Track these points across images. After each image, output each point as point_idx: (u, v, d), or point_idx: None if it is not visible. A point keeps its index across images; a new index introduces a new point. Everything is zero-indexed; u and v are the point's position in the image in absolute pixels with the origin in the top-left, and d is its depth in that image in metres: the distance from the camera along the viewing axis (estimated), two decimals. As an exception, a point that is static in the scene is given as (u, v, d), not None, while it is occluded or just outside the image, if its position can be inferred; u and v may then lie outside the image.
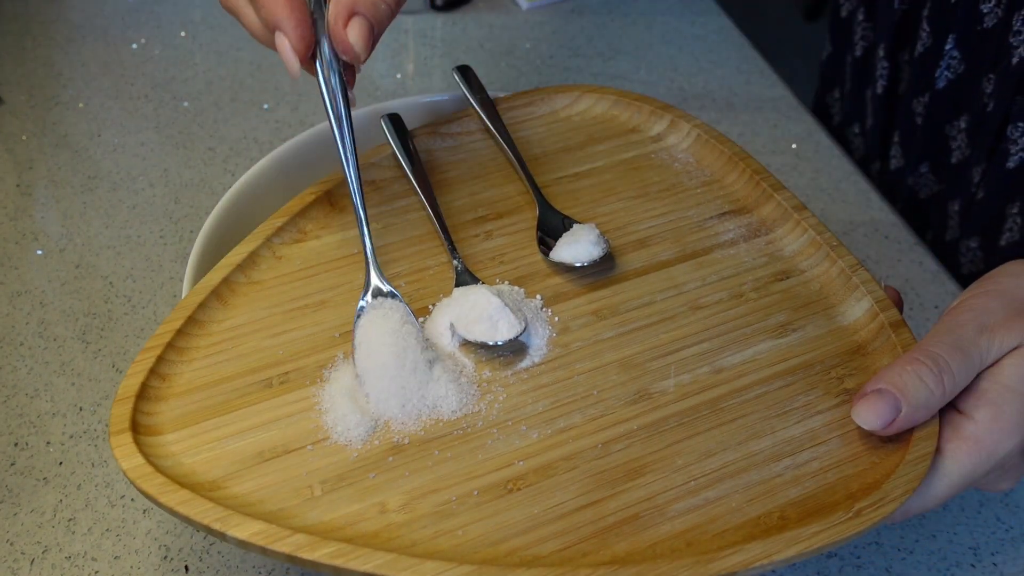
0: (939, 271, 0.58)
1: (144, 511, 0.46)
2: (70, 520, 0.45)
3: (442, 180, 0.48)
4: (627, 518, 0.35)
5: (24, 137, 0.65)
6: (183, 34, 0.74)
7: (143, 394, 0.38)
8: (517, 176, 0.48)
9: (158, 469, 0.35)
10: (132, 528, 0.45)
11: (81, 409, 0.50)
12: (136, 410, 0.37)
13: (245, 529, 0.33)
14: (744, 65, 0.73)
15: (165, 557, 0.44)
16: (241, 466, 0.36)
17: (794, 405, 0.39)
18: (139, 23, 0.75)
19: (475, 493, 0.36)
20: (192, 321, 0.40)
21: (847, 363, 0.41)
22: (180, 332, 0.40)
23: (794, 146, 0.66)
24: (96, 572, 0.44)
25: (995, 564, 0.45)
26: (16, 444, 0.48)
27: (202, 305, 0.41)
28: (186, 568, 0.44)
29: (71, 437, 0.49)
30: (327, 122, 0.40)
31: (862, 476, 0.37)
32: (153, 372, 0.38)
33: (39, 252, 0.58)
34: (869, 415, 0.36)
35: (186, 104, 0.68)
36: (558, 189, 0.48)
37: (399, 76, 0.71)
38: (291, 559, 0.33)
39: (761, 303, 0.43)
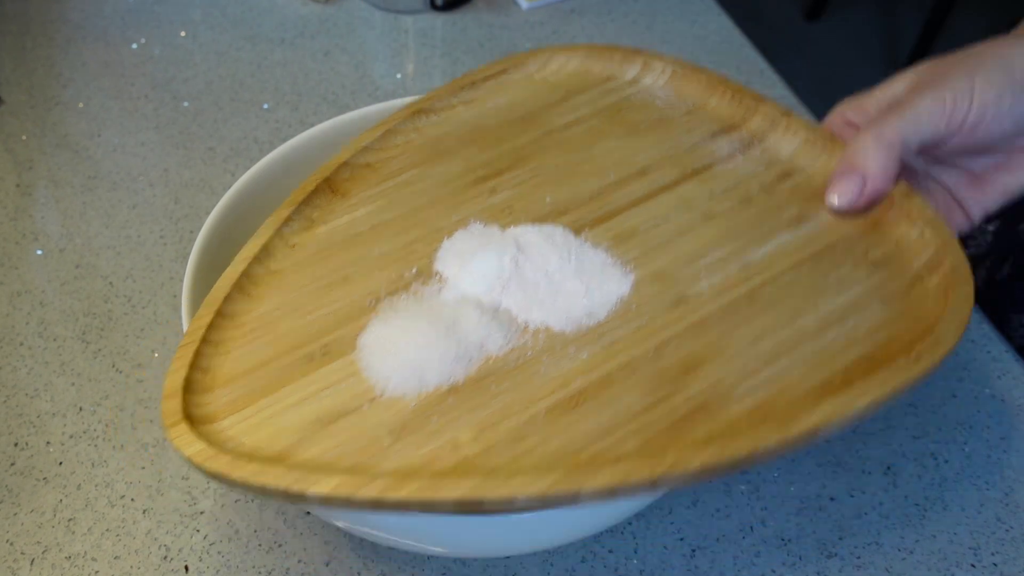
0: (939, 271, 0.58)
1: (144, 511, 0.46)
2: (70, 520, 0.45)
3: (433, 152, 0.48)
4: (696, 408, 0.36)
5: (24, 137, 0.65)
6: (183, 34, 0.74)
7: (188, 388, 0.38)
8: (512, 133, 0.49)
9: (222, 451, 0.35)
10: (132, 528, 0.45)
11: (81, 409, 0.50)
12: (186, 403, 0.37)
13: (326, 484, 0.33)
14: (744, 65, 0.73)
15: (165, 557, 0.44)
16: (303, 435, 0.36)
17: (828, 282, 0.40)
18: (139, 23, 0.75)
19: (542, 414, 0.36)
20: (220, 315, 0.40)
21: (867, 237, 0.42)
22: (211, 327, 0.40)
23: (794, 146, 0.66)
24: (96, 572, 0.44)
25: (995, 564, 0.45)
26: (16, 444, 0.48)
27: (227, 299, 0.41)
28: (186, 568, 0.44)
29: (71, 437, 0.49)
30: None
31: (912, 328, 0.38)
32: (193, 367, 0.38)
33: (39, 252, 0.58)
34: (844, 193, 0.41)
35: (186, 104, 0.68)
36: (549, 142, 0.48)
37: (399, 76, 0.71)
38: (377, 503, 0.33)
39: (772, 202, 0.44)
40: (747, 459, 0.33)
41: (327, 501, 0.33)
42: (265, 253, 0.43)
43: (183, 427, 0.36)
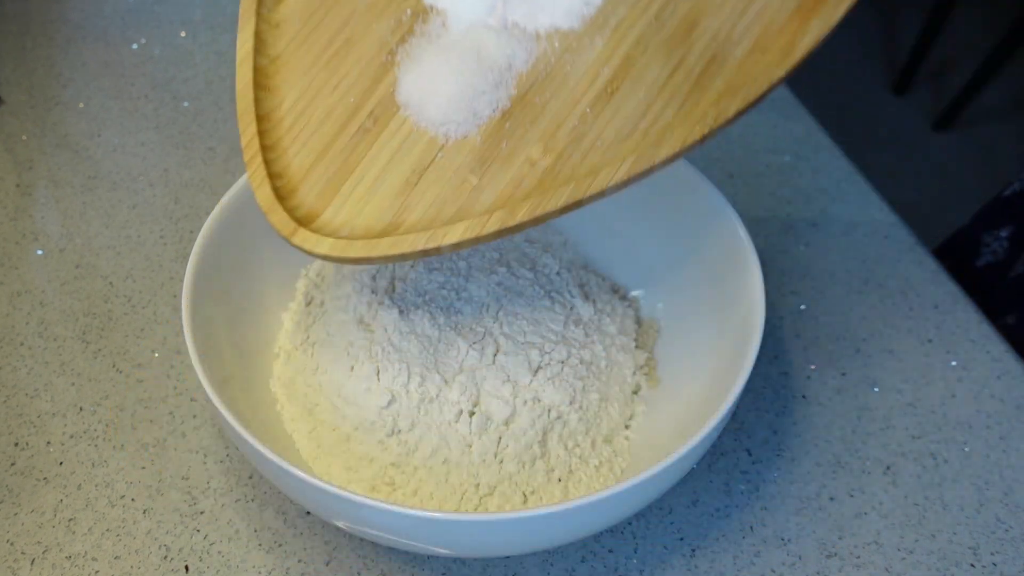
0: (938, 271, 0.58)
1: (144, 511, 0.46)
2: (70, 520, 0.45)
3: None
4: (708, 61, 0.39)
5: (24, 137, 0.65)
6: (183, 34, 0.74)
7: (280, 196, 0.39)
8: None
9: (351, 238, 0.38)
10: (132, 528, 0.45)
11: (81, 409, 0.50)
12: (288, 211, 0.39)
13: (454, 233, 0.37)
14: (744, 65, 0.73)
15: (165, 557, 0.44)
16: (401, 201, 0.39)
17: None
18: (139, 23, 0.75)
19: (588, 110, 0.39)
20: (259, 118, 0.41)
21: None
22: (260, 132, 0.41)
23: (794, 146, 0.66)
24: (96, 572, 0.44)
25: (995, 564, 0.45)
26: (16, 444, 0.48)
27: (256, 100, 0.42)
28: (186, 568, 0.44)
29: (71, 437, 0.49)
30: None
31: None
32: (270, 175, 0.40)
33: (39, 252, 0.58)
34: None
35: (186, 104, 0.68)
36: None
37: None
38: (501, 232, 0.37)
39: None
40: (767, 93, 0.39)
41: (458, 246, 0.38)
42: (259, 42, 0.43)
43: (302, 231, 0.38)
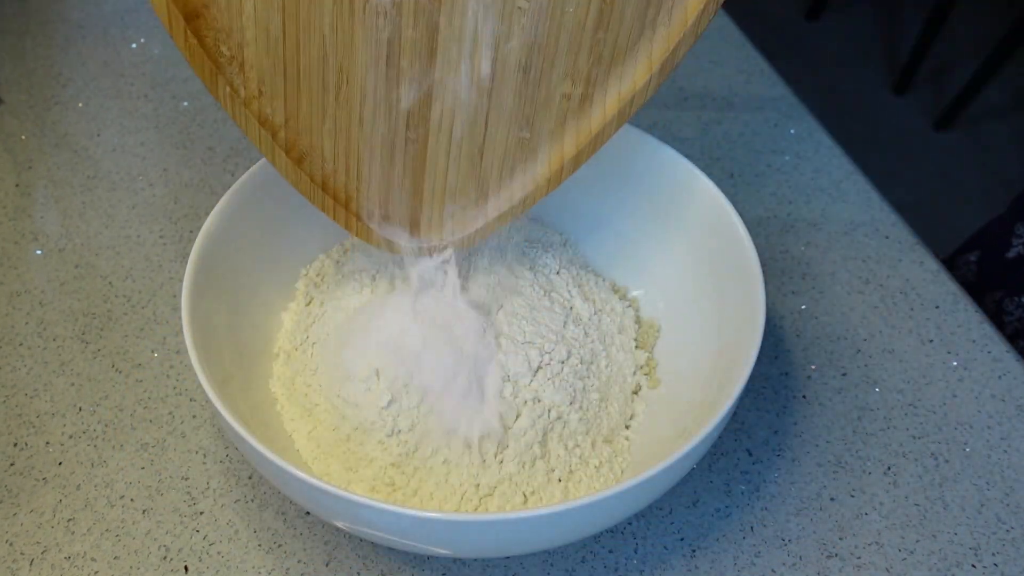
0: (939, 271, 0.58)
1: (144, 511, 0.46)
2: (69, 520, 0.45)
3: None
4: None
5: (24, 137, 0.65)
6: (183, 34, 0.74)
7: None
8: None
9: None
10: (131, 528, 0.45)
11: (80, 409, 0.50)
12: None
13: (539, 192, 0.44)
14: (744, 65, 0.73)
15: (165, 557, 0.44)
16: (477, 176, 0.44)
17: None
18: (139, 23, 0.75)
19: (596, 27, 0.40)
20: (323, 188, 0.44)
21: None
22: (333, 197, 0.44)
23: (794, 146, 0.66)
24: (95, 572, 0.44)
25: (996, 564, 0.45)
26: (15, 444, 0.48)
27: (310, 176, 0.44)
28: (186, 568, 0.44)
29: (70, 437, 0.49)
30: None
31: None
32: (367, 227, 0.45)
33: (38, 252, 0.58)
34: None
35: (186, 104, 0.68)
36: None
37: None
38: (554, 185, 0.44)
39: None
40: None
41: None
42: (262, 120, 0.41)
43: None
